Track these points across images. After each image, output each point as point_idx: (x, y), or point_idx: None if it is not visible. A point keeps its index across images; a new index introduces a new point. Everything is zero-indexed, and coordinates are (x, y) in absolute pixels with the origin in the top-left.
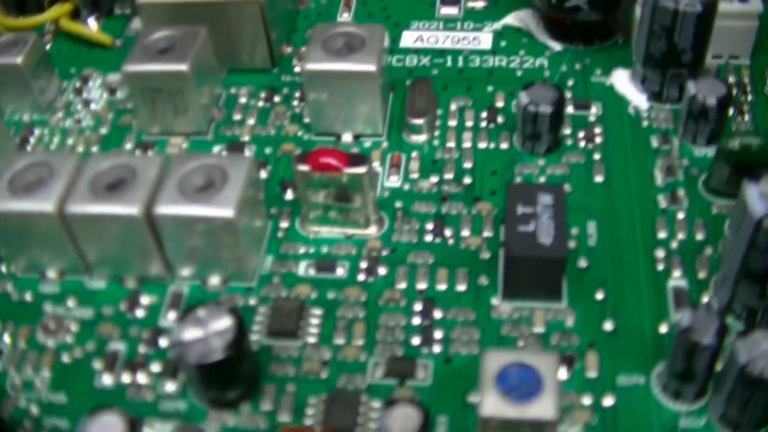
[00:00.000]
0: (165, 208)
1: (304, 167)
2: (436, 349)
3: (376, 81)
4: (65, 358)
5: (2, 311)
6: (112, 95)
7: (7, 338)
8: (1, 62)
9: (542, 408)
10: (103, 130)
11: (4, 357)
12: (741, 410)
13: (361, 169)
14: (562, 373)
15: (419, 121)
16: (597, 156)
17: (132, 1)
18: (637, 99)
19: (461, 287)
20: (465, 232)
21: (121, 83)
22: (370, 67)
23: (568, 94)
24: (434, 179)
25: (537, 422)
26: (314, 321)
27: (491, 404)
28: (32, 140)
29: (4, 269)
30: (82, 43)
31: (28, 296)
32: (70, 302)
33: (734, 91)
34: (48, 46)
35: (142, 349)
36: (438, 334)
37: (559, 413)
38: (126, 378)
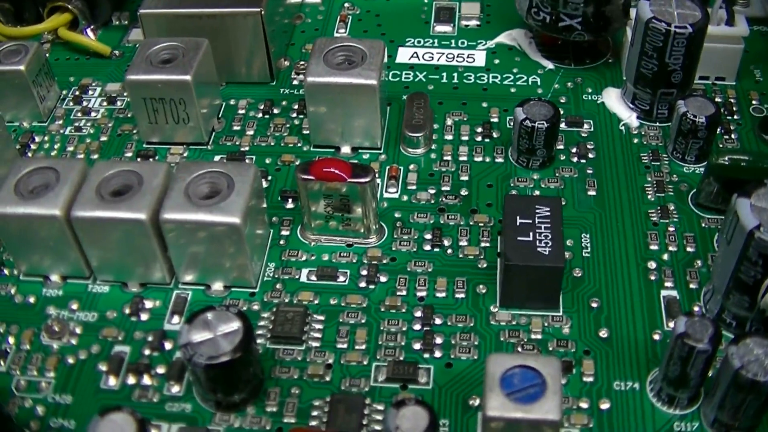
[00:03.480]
0: (172, 214)
1: (307, 176)
2: (437, 354)
3: (376, 94)
4: (70, 360)
5: (6, 314)
6: (111, 104)
7: (11, 340)
8: (4, 69)
9: (546, 409)
10: (103, 138)
11: (8, 358)
12: (733, 415)
13: (364, 180)
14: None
15: (417, 135)
16: (589, 171)
17: (130, 12)
18: (628, 117)
19: (460, 295)
20: (463, 242)
21: (123, 92)
22: (371, 81)
23: (560, 111)
24: (432, 191)
25: (542, 422)
26: (317, 326)
27: (496, 405)
28: (32, 147)
29: (6, 272)
30: (80, 53)
31: (31, 299)
32: (74, 306)
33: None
34: (46, 56)
35: (146, 351)
36: (438, 340)
37: (563, 414)
38: (131, 380)
